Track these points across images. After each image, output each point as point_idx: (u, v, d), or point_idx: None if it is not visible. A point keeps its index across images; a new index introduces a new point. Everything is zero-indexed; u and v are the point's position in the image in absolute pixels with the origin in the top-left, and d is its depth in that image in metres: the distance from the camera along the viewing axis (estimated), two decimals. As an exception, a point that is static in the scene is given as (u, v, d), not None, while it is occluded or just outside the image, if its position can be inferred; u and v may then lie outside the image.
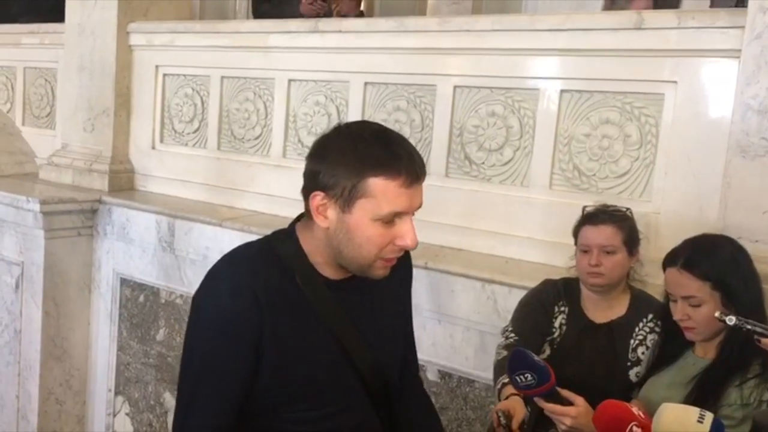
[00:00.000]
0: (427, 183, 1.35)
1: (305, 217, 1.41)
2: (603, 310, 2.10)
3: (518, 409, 1.77)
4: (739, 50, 2.20)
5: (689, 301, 1.69)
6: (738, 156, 2.19)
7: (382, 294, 1.49)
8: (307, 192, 1.36)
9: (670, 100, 2.41)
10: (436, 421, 1.73)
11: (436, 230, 2.78)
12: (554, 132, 2.64)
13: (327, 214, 1.33)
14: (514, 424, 1.73)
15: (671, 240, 1.89)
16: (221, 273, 1.40)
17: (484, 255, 2.73)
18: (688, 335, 1.74)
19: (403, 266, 1.50)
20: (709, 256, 1.71)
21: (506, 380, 1.84)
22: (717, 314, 1.53)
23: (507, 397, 1.83)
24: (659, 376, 1.82)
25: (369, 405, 1.48)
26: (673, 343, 1.82)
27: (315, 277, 1.40)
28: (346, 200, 1.30)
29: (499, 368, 1.99)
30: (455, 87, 2.85)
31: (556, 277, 2.24)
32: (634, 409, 1.45)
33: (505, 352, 2.02)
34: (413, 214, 1.35)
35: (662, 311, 1.85)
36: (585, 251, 2.06)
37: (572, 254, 2.16)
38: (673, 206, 2.40)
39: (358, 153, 1.29)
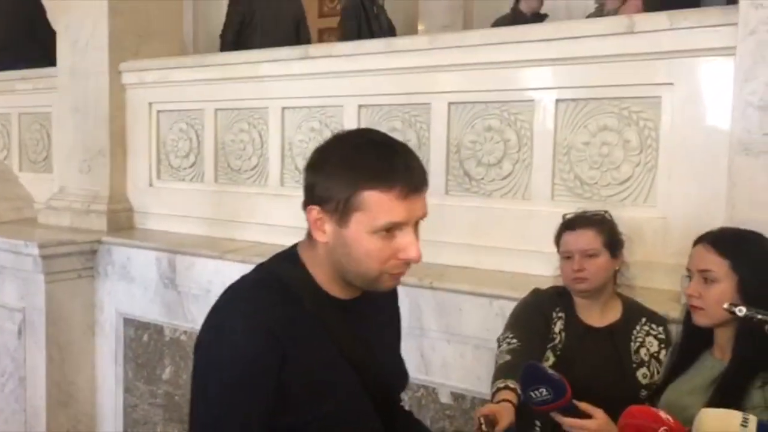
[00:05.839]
0: (428, 202, 1.31)
1: (306, 236, 1.36)
2: (598, 315, 2.07)
3: (504, 415, 1.65)
4: (734, 47, 2.17)
5: (705, 275, 1.66)
6: (741, 154, 2.15)
7: (387, 311, 1.46)
8: (305, 205, 1.32)
9: (667, 103, 2.38)
10: (425, 428, 1.69)
11: (439, 249, 2.74)
12: (553, 142, 2.61)
13: (324, 229, 1.29)
14: (498, 430, 1.61)
15: (680, 243, 1.85)
16: (230, 312, 1.30)
17: (490, 271, 2.68)
18: (696, 317, 1.70)
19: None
20: (738, 239, 1.71)
21: (501, 385, 1.79)
22: (726, 305, 1.48)
23: (498, 403, 1.73)
24: (679, 383, 1.77)
25: (380, 424, 1.42)
26: (690, 347, 1.78)
27: (324, 300, 1.34)
28: (342, 214, 1.25)
29: (498, 372, 1.89)
30: (450, 104, 2.82)
31: (544, 287, 2.19)
32: (662, 414, 1.40)
33: (508, 357, 1.92)
34: (416, 226, 1.29)
35: (685, 315, 1.80)
36: (567, 257, 2.04)
37: (558, 264, 2.12)
38: (679, 210, 2.36)
39: (352, 164, 1.24)
